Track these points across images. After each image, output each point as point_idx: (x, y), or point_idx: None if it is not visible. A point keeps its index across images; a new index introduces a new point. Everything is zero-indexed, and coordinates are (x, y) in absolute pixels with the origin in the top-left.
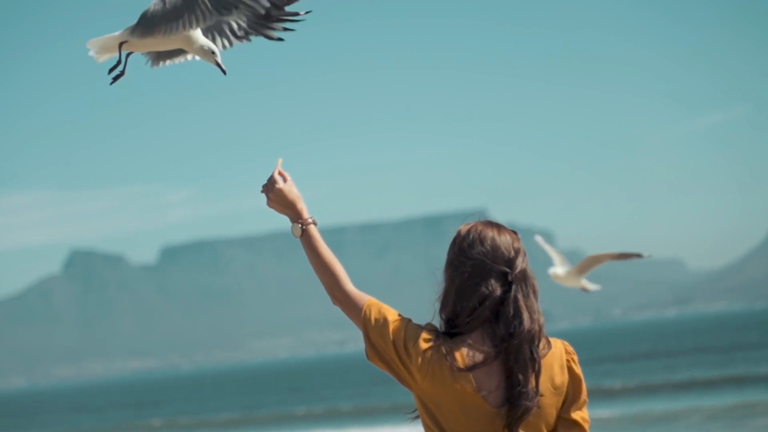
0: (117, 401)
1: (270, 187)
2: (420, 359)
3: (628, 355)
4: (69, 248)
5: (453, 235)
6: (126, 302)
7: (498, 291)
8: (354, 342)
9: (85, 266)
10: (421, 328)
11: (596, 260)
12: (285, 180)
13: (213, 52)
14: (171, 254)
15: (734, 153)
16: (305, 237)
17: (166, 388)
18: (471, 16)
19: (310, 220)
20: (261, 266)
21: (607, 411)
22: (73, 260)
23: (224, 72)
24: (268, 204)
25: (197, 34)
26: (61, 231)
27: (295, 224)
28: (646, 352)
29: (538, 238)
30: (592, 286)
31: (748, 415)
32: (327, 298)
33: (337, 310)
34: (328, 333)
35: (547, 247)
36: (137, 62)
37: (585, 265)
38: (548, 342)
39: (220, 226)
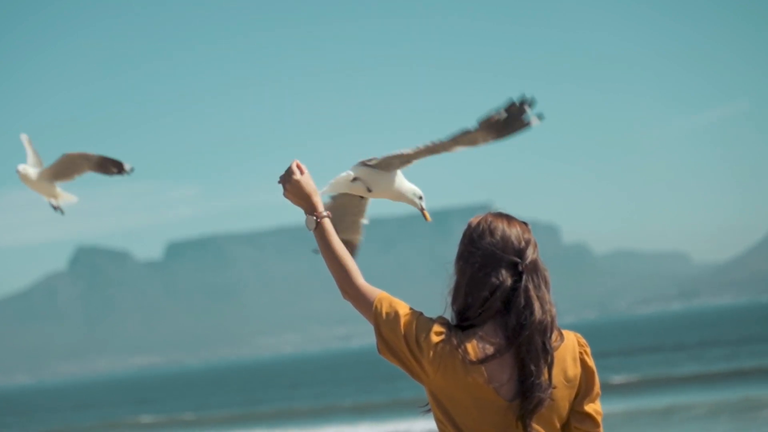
0: (119, 398)
1: (287, 178)
2: (432, 352)
3: (633, 349)
4: (74, 245)
5: (458, 230)
6: (131, 299)
7: (508, 281)
8: (359, 337)
9: (90, 263)
10: (432, 321)
11: (69, 160)
12: (302, 172)
13: (420, 197)
14: (176, 250)
15: (737, 147)
16: (319, 230)
17: (169, 384)
18: (472, 16)
19: (324, 214)
20: (266, 262)
21: (611, 405)
22: (78, 257)
23: (427, 219)
24: (284, 195)
25: (405, 185)
26: (65, 228)
27: (310, 217)
28: (651, 346)
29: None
30: (66, 197)
31: (754, 408)
32: (332, 294)
33: (343, 305)
34: (334, 328)
35: (27, 146)
36: (134, 61)
37: (58, 165)
38: (561, 334)
39: (224, 222)
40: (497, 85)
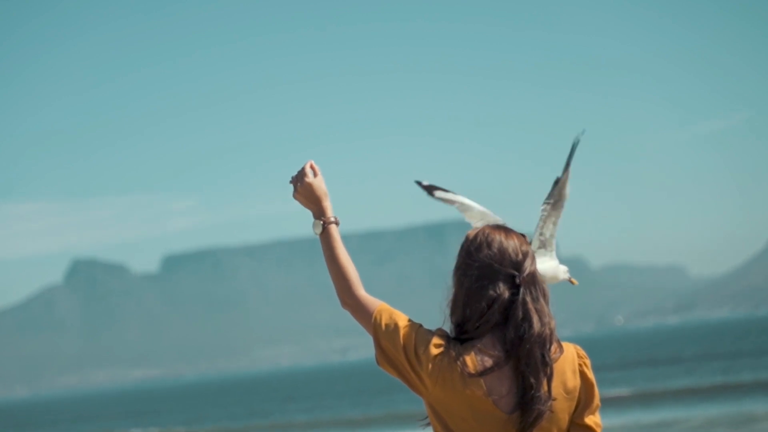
0: (116, 411)
1: (299, 179)
2: (431, 365)
3: (630, 362)
4: (71, 257)
5: (455, 242)
6: (129, 311)
7: (506, 294)
8: (356, 350)
9: (88, 275)
10: (431, 333)
11: None
12: (315, 174)
13: (567, 271)
14: (173, 263)
15: (735, 158)
16: (325, 235)
17: (166, 397)
18: (472, 21)
19: (332, 219)
20: (264, 274)
21: (608, 418)
22: (76, 269)
23: (574, 283)
24: (294, 195)
25: (560, 269)
26: (63, 240)
27: (317, 221)
28: (648, 360)
29: None
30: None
31: (749, 422)
32: (331, 306)
33: (341, 317)
34: (332, 340)
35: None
36: (130, 69)
37: None
38: (560, 346)
39: (222, 235)
40: (498, 90)
